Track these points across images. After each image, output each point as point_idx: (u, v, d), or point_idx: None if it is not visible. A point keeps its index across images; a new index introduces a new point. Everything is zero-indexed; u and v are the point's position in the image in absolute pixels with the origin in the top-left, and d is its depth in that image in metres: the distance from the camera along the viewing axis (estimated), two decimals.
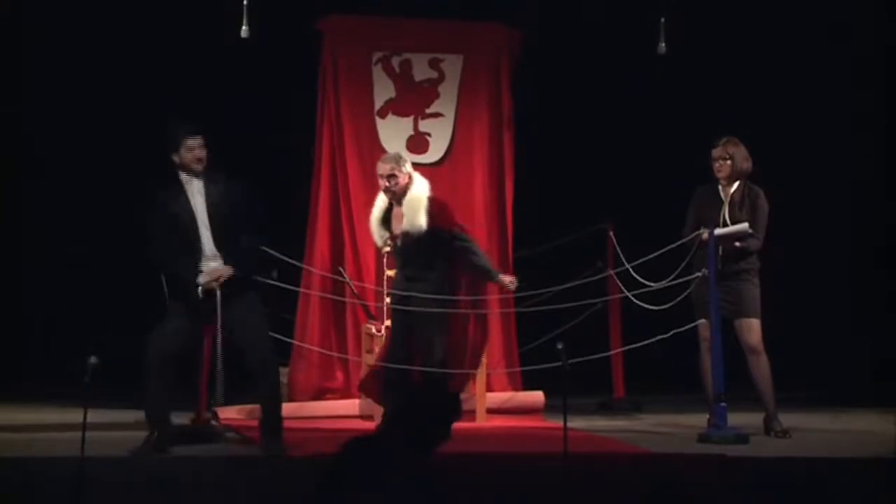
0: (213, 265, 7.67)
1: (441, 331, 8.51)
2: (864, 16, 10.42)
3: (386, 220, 8.69)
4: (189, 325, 7.69)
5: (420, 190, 8.55)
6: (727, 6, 10.31)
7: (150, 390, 7.61)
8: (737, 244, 8.48)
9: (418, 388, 5.59)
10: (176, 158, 7.74)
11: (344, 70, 9.56)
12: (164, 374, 7.59)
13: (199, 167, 7.73)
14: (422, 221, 8.46)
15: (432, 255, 8.52)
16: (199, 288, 7.60)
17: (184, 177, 7.76)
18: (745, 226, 8.44)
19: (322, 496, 5.14)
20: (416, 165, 8.99)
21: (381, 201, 8.73)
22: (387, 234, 8.68)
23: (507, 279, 8.70)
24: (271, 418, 7.78)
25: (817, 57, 10.74)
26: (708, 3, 10.08)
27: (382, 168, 8.59)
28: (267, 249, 8.68)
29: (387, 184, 8.55)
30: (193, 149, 7.72)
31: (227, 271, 7.65)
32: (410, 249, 8.52)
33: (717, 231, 8.43)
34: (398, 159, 8.61)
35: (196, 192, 7.76)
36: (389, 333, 8.73)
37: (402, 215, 8.55)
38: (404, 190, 8.55)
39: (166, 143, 7.74)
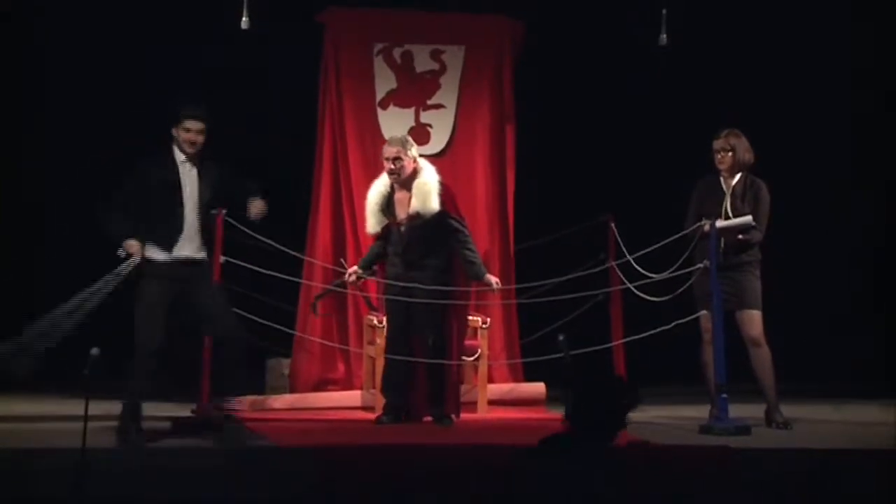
0: (187, 247, 7.80)
1: (442, 319, 8.51)
2: (866, 12, 10.40)
3: (387, 205, 8.64)
4: (163, 309, 7.77)
5: (431, 174, 8.57)
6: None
7: (137, 386, 7.73)
8: (739, 236, 8.47)
9: (595, 380, 5.67)
10: (174, 132, 7.89)
11: (345, 61, 9.56)
12: (151, 369, 7.72)
13: (190, 150, 7.87)
14: (435, 204, 8.48)
15: (436, 241, 8.52)
16: (127, 260, 7.72)
17: (178, 154, 7.88)
18: (748, 218, 8.44)
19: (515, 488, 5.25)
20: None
21: (381, 186, 8.69)
22: (386, 221, 8.65)
23: (493, 280, 8.69)
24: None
25: (818, 52, 10.72)
26: None
27: (388, 151, 8.58)
28: (269, 241, 8.70)
29: (392, 167, 8.53)
30: (190, 130, 7.87)
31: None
32: (416, 234, 8.52)
33: (719, 223, 8.42)
34: (404, 143, 8.61)
35: (188, 171, 7.89)
36: (388, 323, 8.71)
37: (407, 199, 8.53)
38: (410, 174, 8.54)
39: (174, 113, 7.90)
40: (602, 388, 5.53)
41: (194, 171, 7.90)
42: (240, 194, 8.08)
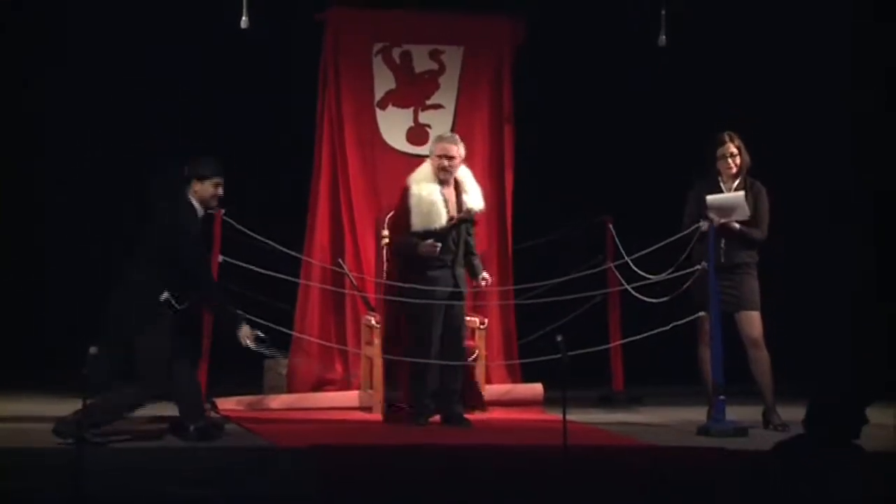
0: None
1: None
2: (866, 10, 10.39)
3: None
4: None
5: (468, 172, 8.63)
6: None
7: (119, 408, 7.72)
8: (737, 227, 8.41)
9: (830, 384, 5.73)
10: (198, 187, 7.81)
11: (344, 61, 9.55)
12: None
13: (214, 203, 7.89)
14: (482, 203, 8.53)
15: (467, 239, 8.53)
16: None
17: (197, 206, 7.87)
18: (740, 197, 8.39)
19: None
20: (416, 157, 8.99)
21: (433, 182, 8.54)
22: (449, 215, 8.52)
23: (487, 275, 8.70)
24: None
25: (819, 50, 10.71)
26: None
27: (449, 150, 8.51)
28: (267, 241, 8.70)
29: (446, 164, 8.49)
30: (219, 186, 7.86)
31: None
32: (461, 231, 8.52)
33: (710, 198, 8.39)
34: (458, 141, 8.60)
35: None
36: (413, 324, 8.55)
37: (455, 196, 8.52)
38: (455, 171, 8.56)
39: (197, 170, 7.82)
40: (840, 393, 5.58)
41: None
42: None
